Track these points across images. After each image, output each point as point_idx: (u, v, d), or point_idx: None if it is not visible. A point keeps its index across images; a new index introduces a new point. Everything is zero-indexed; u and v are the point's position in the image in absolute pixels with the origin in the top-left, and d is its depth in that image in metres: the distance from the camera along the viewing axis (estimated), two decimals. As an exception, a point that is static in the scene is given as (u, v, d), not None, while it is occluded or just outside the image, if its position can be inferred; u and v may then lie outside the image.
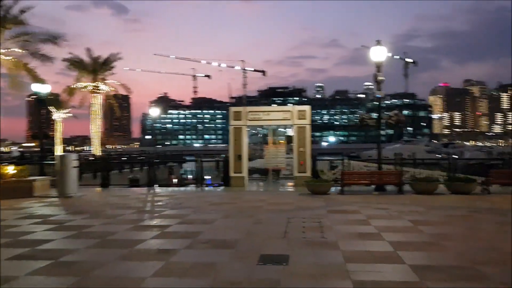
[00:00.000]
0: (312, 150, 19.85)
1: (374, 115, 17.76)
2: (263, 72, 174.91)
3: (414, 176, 17.69)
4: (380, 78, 16.34)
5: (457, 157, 19.34)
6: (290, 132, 20.28)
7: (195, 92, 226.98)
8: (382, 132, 17.12)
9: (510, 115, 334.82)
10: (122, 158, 44.11)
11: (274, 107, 21.15)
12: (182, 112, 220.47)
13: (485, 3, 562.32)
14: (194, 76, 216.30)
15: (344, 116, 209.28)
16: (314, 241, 7.89)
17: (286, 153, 21.03)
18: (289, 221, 10.08)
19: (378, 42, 16.55)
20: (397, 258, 6.63)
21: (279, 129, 21.35)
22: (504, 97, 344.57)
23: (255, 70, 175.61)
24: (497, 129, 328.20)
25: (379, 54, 16.49)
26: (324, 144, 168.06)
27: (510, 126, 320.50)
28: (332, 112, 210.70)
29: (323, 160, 21.53)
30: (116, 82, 43.50)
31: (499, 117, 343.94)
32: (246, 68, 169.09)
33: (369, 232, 8.73)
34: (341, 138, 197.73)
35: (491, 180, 15.80)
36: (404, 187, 16.15)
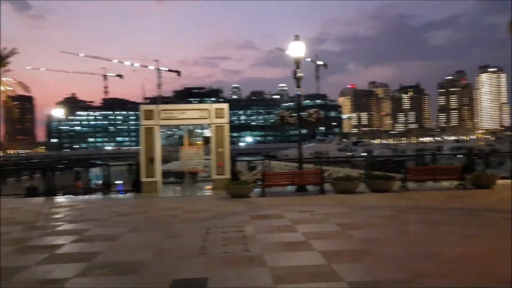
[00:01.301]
0: (231, 150, 18.83)
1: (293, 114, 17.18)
2: (178, 72, 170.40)
3: (333, 175, 17.39)
4: (299, 74, 15.73)
5: (367, 154, 19.42)
6: (208, 133, 19.04)
7: (106, 92, 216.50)
8: (296, 132, 16.57)
9: (411, 115, 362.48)
10: (26, 164, 39.91)
11: (190, 105, 19.79)
12: (92, 113, 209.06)
13: (387, 10, 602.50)
14: (104, 75, 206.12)
15: (260, 117, 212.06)
16: (237, 257, 6.79)
17: (203, 154, 19.79)
18: (208, 232, 8.89)
19: (297, 37, 15.93)
20: (333, 274, 5.74)
21: (197, 130, 20.07)
22: (405, 98, 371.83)
23: (169, 70, 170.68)
24: (399, 127, 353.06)
25: (297, 49, 15.88)
26: (241, 144, 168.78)
27: (411, 125, 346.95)
28: (249, 113, 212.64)
29: (242, 161, 20.61)
30: (12, 80, 39.17)
31: (400, 116, 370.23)
32: (160, 68, 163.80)
33: (297, 241, 7.83)
34: (258, 138, 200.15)
35: (408, 177, 15.85)
36: (325, 186, 15.69)
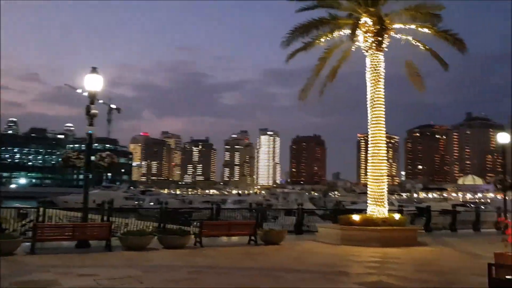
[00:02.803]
0: (-5, 194, 15.15)
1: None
2: None
3: (124, 228, 15.54)
4: (94, 111, 13.77)
5: (161, 206, 18.26)
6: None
7: None
8: (80, 176, 14.38)
9: (199, 167, 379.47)
10: None
11: None
12: None
13: (183, 65, 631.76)
14: None
15: (39, 156, 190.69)
16: None
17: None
18: None
19: (94, 70, 14.08)
20: None
21: None
22: (195, 150, 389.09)
23: None
24: (187, 178, 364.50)
25: (94, 83, 13.99)
26: (12, 186, 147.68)
27: (198, 176, 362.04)
28: (26, 151, 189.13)
29: (10, 207, 16.85)
30: None
31: (190, 168, 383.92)
32: None
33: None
34: (35, 180, 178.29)
35: (203, 232, 15.09)
36: (112, 241, 13.64)
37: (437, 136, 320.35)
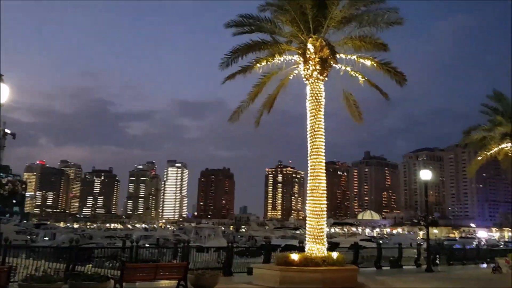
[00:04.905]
0: None
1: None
2: None
3: (23, 271, 12.65)
4: (7, 130, 11.15)
5: (74, 244, 15.50)
6: None
7: None
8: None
9: (100, 199, 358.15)
10: None
11: None
12: None
13: (88, 92, 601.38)
14: None
15: None
16: None
17: None
18: None
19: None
20: None
21: None
22: (97, 181, 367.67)
23: None
24: (87, 211, 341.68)
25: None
26: None
27: (99, 209, 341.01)
28: None
29: None
30: None
31: (90, 200, 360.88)
32: None
33: None
34: None
35: (125, 277, 12.68)
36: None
37: (339, 172, 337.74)
